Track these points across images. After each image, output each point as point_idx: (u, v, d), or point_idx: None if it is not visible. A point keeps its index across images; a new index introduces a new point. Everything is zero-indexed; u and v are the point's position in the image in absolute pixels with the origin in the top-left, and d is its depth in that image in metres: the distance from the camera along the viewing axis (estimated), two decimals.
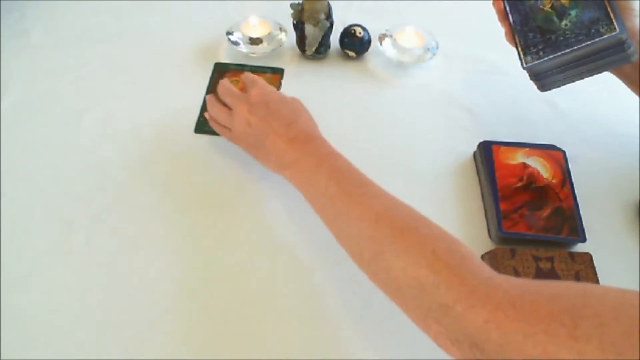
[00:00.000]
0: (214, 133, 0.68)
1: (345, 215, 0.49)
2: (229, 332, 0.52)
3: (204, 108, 0.71)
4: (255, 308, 0.53)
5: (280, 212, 0.61)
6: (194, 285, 0.55)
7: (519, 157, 0.63)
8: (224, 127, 0.61)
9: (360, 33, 0.76)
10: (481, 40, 0.82)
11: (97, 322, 0.52)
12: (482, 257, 0.58)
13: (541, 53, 0.58)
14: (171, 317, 0.53)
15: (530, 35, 0.59)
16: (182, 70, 0.76)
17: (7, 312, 0.52)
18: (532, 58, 0.58)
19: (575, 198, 0.59)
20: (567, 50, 0.56)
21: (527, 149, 0.64)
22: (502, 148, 0.64)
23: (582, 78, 0.58)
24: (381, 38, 0.78)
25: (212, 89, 0.71)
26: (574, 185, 0.61)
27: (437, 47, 0.77)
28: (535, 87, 0.61)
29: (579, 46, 0.55)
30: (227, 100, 0.61)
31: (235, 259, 0.57)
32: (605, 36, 0.54)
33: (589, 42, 0.55)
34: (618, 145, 0.69)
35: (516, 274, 0.54)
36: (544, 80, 0.60)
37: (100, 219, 0.59)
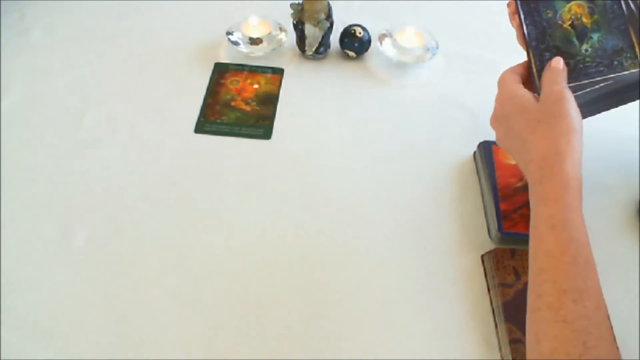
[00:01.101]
0: (214, 133, 0.68)
1: (543, 328, 0.41)
2: (229, 333, 0.52)
3: (204, 108, 0.71)
4: (258, 307, 0.53)
5: (280, 212, 0.61)
6: (194, 285, 0.55)
7: None
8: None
9: (360, 33, 0.76)
10: (481, 40, 0.82)
11: (97, 322, 0.52)
12: (482, 257, 0.58)
13: None
14: (171, 316, 0.52)
15: (547, 55, 0.53)
16: (182, 70, 0.76)
17: (7, 312, 0.52)
18: None
19: None
20: (585, 82, 0.51)
21: None
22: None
23: (597, 113, 0.55)
24: (381, 38, 0.78)
25: (212, 89, 0.71)
26: None
27: (437, 47, 0.77)
28: None
29: (598, 78, 0.51)
30: None
31: (235, 258, 0.57)
32: (628, 72, 0.50)
33: (610, 76, 0.50)
34: (618, 145, 0.69)
35: (516, 274, 0.54)
36: None
37: (100, 219, 0.59)
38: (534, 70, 0.53)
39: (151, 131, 0.68)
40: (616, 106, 0.55)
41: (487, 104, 0.74)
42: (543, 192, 0.46)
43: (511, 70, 0.54)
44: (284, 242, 0.58)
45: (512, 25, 0.59)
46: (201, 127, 0.69)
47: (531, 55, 0.54)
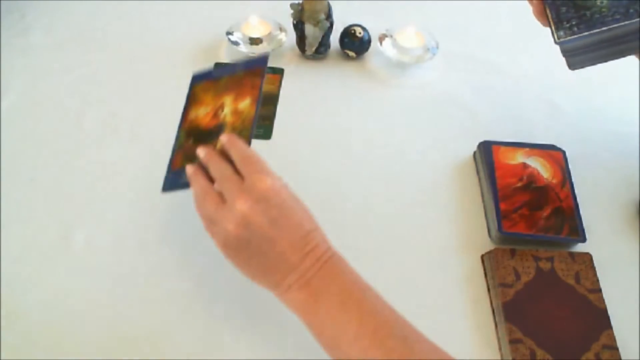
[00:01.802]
0: None
1: None
2: (229, 333, 0.52)
3: None
4: (257, 307, 0.53)
5: None
6: (194, 285, 0.55)
7: (519, 157, 0.63)
8: (209, 217, 0.46)
9: (360, 33, 0.76)
10: (481, 40, 0.82)
11: (97, 322, 0.52)
12: (482, 257, 0.58)
13: (575, 29, 0.55)
14: (172, 316, 0.52)
15: (563, 9, 0.56)
16: (182, 70, 0.76)
17: (7, 312, 0.52)
18: (565, 33, 0.55)
19: (575, 198, 0.59)
20: (603, 29, 0.53)
21: (527, 149, 0.64)
22: (502, 148, 0.64)
23: (614, 59, 0.56)
24: (381, 38, 0.78)
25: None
26: (574, 185, 0.61)
27: (437, 47, 0.77)
28: (565, 63, 0.59)
29: (615, 25, 0.53)
30: (221, 185, 0.45)
31: None
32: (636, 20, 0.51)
33: (626, 22, 0.52)
34: (618, 145, 0.69)
35: (516, 274, 0.54)
36: (575, 57, 0.57)
37: (100, 219, 0.59)
38: (551, 22, 0.56)
39: (151, 131, 0.68)
40: (614, 57, 0.56)
41: (487, 104, 0.75)
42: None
43: None
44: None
45: (530, 3, 0.59)
46: None
47: (548, 11, 0.56)
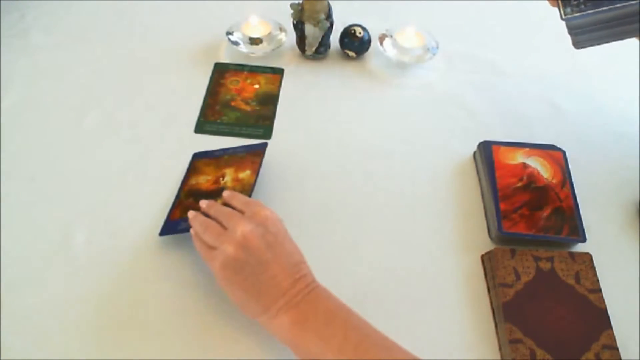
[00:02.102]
0: (214, 133, 0.68)
1: None
2: (230, 333, 0.52)
3: (204, 108, 0.71)
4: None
5: (279, 212, 0.61)
6: (195, 285, 0.55)
7: (519, 157, 0.63)
8: (208, 246, 0.49)
9: (360, 33, 0.76)
10: (481, 40, 0.82)
11: (97, 322, 0.52)
12: (482, 257, 0.58)
13: (582, 6, 0.54)
14: (172, 316, 0.52)
15: None
16: (182, 70, 0.76)
17: (7, 312, 0.52)
18: (572, 10, 0.55)
19: (575, 198, 0.59)
20: (610, 7, 0.53)
21: (527, 149, 0.64)
22: (502, 148, 0.64)
23: (620, 39, 0.56)
24: (381, 38, 0.78)
25: (212, 89, 0.71)
26: (574, 185, 0.61)
27: (437, 47, 0.77)
28: (570, 42, 0.59)
29: (622, 4, 0.52)
30: (222, 219, 0.50)
31: None
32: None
33: (633, 2, 0.52)
34: (618, 145, 0.69)
35: (516, 274, 0.54)
36: (580, 36, 0.57)
37: (100, 218, 0.59)
38: (561, 7, 0.55)
39: (151, 131, 0.68)
40: (620, 38, 0.56)
41: (487, 104, 0.75)
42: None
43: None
44: None
45: None
46: (201, 127, 0.69)
47: None
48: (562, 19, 0.56)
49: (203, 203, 0.53)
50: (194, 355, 0.50)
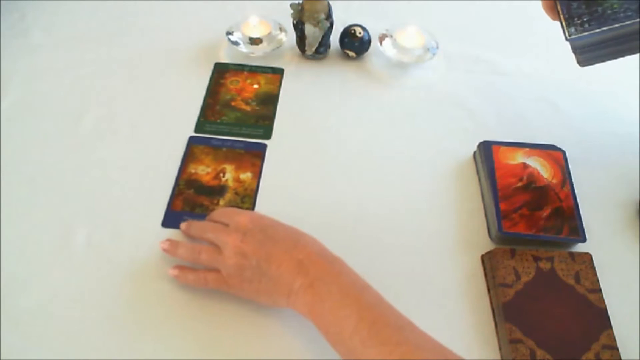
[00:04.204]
0: (214, 133, 0.68)
1: None
2: (231, 333, 0.52)
3: (204, 108, 0.71)
4: (257, 307, 0.53)
5: (279, 212, 0.61)
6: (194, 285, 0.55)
7: (519, 157, 0.63)
8: (205, 273, 0.51)
9: (360, 33, 0.76)
10: (481, 40, 0.82)
11: (97, 322, 0.52)
12: (482, 257, 0.58)
13: (586, 25, 0.54)
14: (171, 316, 0.52)
15: (574, 4, 0.55)
16: (182, 70, 0.76)
17: (7, 312, 0.52)
18: (576, 30, 0.54)
19: (575, 198, 0.59)
20: (614, 26, 0.52)
21: (527, 149, 0.64)
22: (502, 148, 0.64)
23: (624, 56, 0.55)
24: (381, 38, 0.78)
25: (212, 89, 0.71)
26: (574, 185, 0.61)
27: (437, 47, 0.77)
28: (575, 60, 0.58)
29: (627, 23, 0.52)
30: (209, 236, 0.52)
31: None
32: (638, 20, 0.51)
33: (637, 20, 0.51)
34: (618, 145, 0.69)
35: (516, 274, 0.54)
36: (585, 54, 0.56)
37: (100, 219, 0.59)
38: (562, 19, 0.55)
39: (151, 131, 0.68)
40: (625, 54, 0.55)
41: (487, 104, 0.75)
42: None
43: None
44: None
45: None
46: (201, 127, 0.69)
47: (558, 6, 0.55)
48: (566, 39, 0.55)
49: (182, 225, 0.56)
50: (196, 355, 0.50)
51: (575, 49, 0.57)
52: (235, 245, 0.49)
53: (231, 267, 0.49)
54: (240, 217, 0.52)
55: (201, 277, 0.52)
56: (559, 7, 0.55)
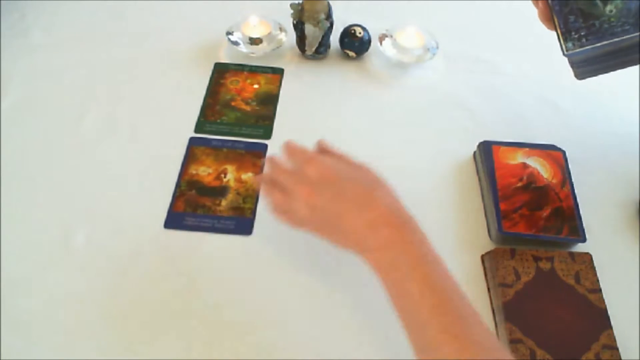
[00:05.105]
0: (214, 133, 0.68)
1: (436, 351, 0.41)
2: (230, 333, 0.52)
3: (204, 108, 0.71)
4: (258, 307, 0.53)
5: None
6: (194, 285, 0.55)
7: (519, 157, 0.63)
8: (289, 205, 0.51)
9: (360, 33, 0.76)
10: (481, 40, 0.82)
11: (97, 322, 0.52)
12: (482, 257, 0.58)
13: (583, 40, 0.53)
14: (171, 316, 0.52)
15: (571, 18, 0.54)
16: (182, 70, 0.76)
17: (7, 312, 0.52)
18: (573, 45, 0.54)
19: (575, 198, 0.59)
20: (612, 40, 0.52)
21: (527, 149, 0.64)
22: (502, 148, 0.64)
23: (621, 68, 0.55)
24: (381, 38, 0.78)
25: (212, 89, 0.71)
26: (574, 185, 0.61)
27: (437, 47, 0.77)
28: (572, 74, 0.58)
29: (625, 37, 0.52)
30: (280, 180, 0.51)
31: (235, 254, 0.57)
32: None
33: (636, 34, 0.51)
34: (618, 145, 0.69)
35: (516, 274, 0.54)
36: (583, 68, 0.56)
37: (100, 218, 0.59)
38: (559, 32, 0.54)
39: (151, 131, 0.68)
40: (622, 67, 0.55)
41: (487, 104, 0.75)
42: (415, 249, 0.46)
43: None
44: (281, 241, 0.58)
45: (534, 5, 0.58)
46: (201, 127, 0.69)
47: (555, 20, 0.54)
48: (564, 54, 0.55)
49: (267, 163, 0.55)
50: (197, 355, 0.50)
51: (572, 63, 0.57)
52: (304, 198, 0.48)
53: (302, 217, 0.49)
54: (309, 167, 0.49)
55: (285, 206, 0.51)
56: (556, 21, 0.55)
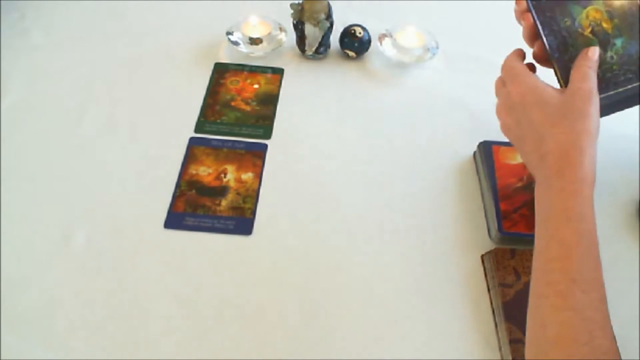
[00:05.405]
0: (214, 133, 0.68)
1: (551, 315, 0.41)
2: (230, 334, 0.52)
3: (204, 108, 0.71)
4: (258, 307, 0.54)
5: (279, 211, 0.61)
6: (194, 285, 0.55)
7: (519, 157, 0.63)
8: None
9: (360, 33, 0.76)
10: (481, 40, 0.82)
11: (97, 322, 0.52)
12: (482, 257, 0.58)
13: None
14: (171, 317, 0.53)
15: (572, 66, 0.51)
16: (182, 70, 0.76)
17: (7, 312, 0.52)
18: None
19: None
20: (618, 90, 0.51)
21: None
22: (502, 148, 0.64)
23: (609, 114, 0.53)
24: (381, 38, 0.78)
25: (212, 89, 0.72)
26: None
27: (437, 47, 0.77)
28: None
29: (628, 87, 0.51)
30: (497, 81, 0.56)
31: (235, 256, 0.57)
32: None
33: (637, 84, 0.50)
34: (618, 145, 0.69)
35: (516, 274, 0.54)
36: None
37: (100, 219, 0.59)
38: (561, 81, 0.51)
39: (151, 131, 0.68)
40: (620, 111, 0.54)
41: (487, 104, 0.74)
42: (561, 184, 0.46)
43: (518, 58, 0.54)
44: (281, 241, 0.58)
45: (520, 24, 0.57)
46: (201, 127, 0.69)
47: (556, 67, 0.52)
48: None
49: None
50: (197, 355, 0.50)
51: None
52: (500, 110, 0.54)
53: (499, 119, 0.54)
54: (512, 87, 0.52)
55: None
56: (557, 70, 0.52)
